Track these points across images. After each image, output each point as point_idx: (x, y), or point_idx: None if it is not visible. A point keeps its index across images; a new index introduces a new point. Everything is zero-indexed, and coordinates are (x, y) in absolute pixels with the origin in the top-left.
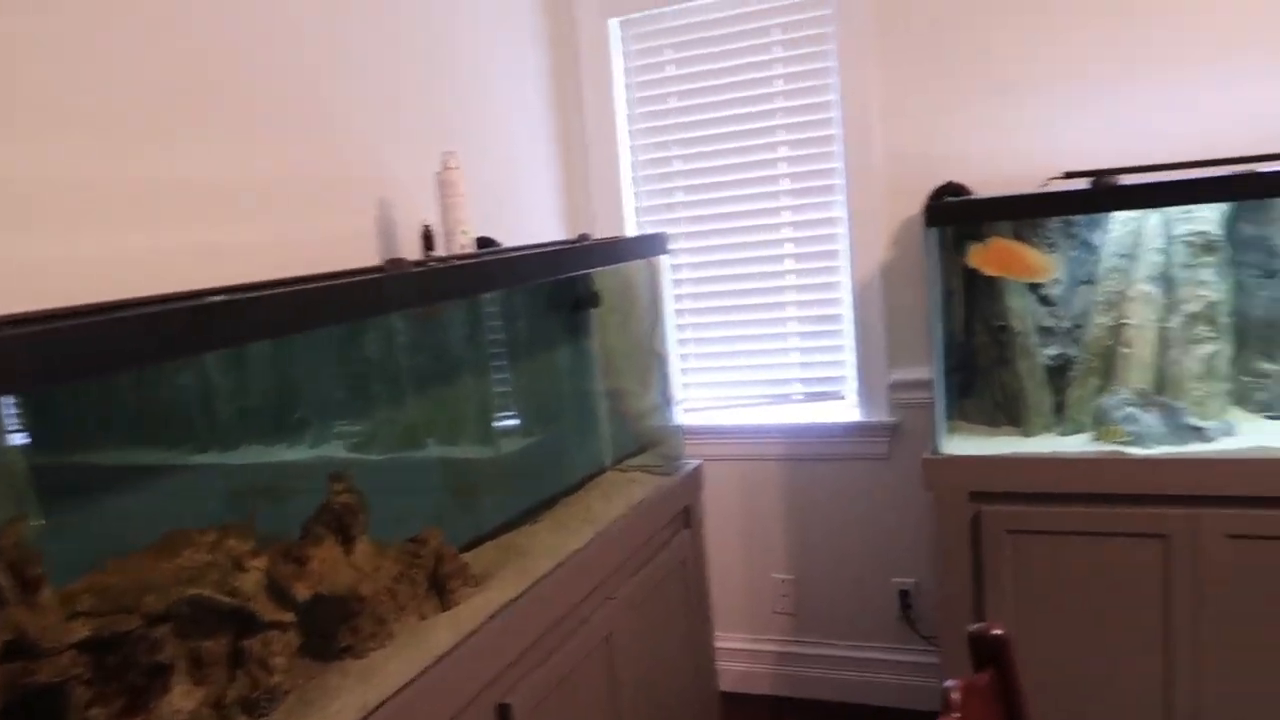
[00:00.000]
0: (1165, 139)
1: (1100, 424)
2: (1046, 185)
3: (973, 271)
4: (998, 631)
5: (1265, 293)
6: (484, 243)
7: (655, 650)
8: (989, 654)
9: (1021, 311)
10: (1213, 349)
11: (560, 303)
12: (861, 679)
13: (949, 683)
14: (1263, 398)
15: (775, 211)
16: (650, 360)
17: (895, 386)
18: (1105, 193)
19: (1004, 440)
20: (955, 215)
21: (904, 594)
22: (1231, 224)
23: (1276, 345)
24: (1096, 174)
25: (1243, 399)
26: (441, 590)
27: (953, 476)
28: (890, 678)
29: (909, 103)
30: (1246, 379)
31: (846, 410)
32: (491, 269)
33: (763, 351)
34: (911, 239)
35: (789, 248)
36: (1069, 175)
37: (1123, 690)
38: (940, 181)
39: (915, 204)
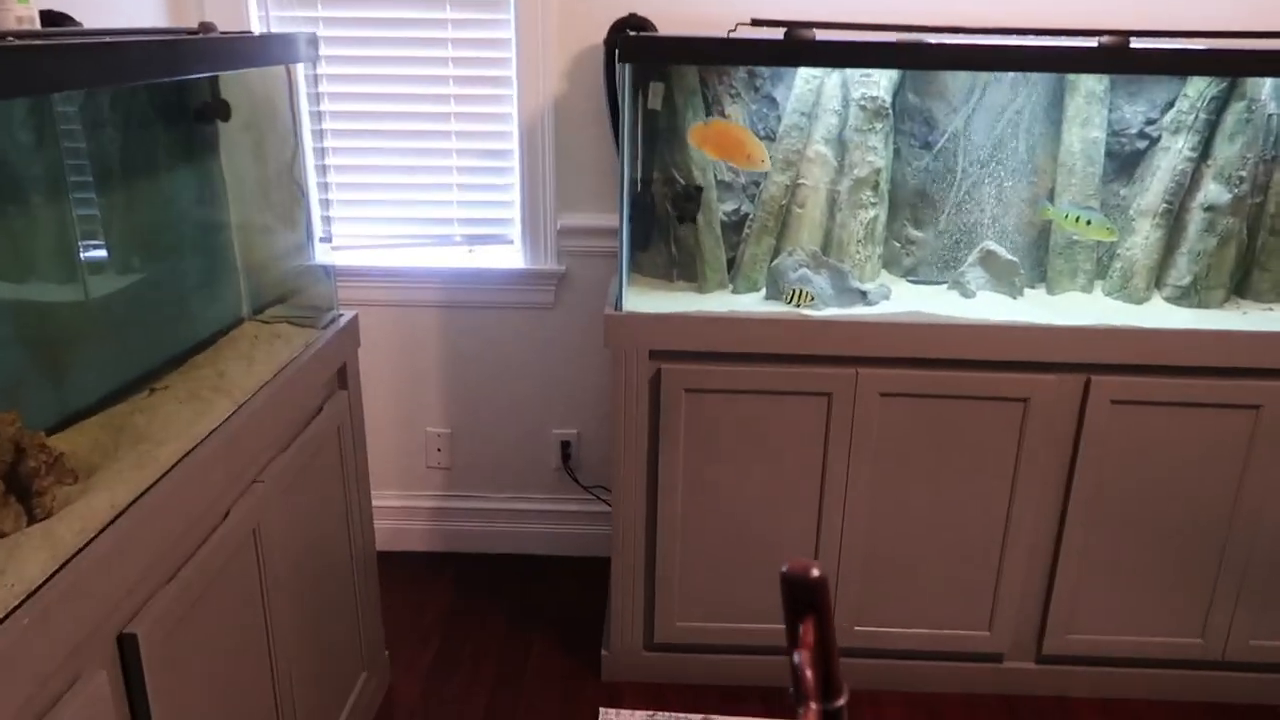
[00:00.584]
0: None
1: (775, 284)
2: (735, 30)
3: (653, 115)
4: (816, 573)
5: (920, 163)
6: (52, 19)
7: (310, 530)
8: (807, 600)
9: (703, 164)
10: (873, 214)
11: (174, 111)
12: (519, 530)
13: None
14: (909, 263)
15: (440, 24)
16: (293, 191)
17: (563, 233)
18: (801, 46)
19: (680, 297)
20: (651, 51)
21: (565, 445)
22: (898, 93)
23: (924, 214)
24: (787, 24)
25: (891, 263)
26: (26, 495)
27: (634, 335)
28: (548, 527)
29: None
30: (897, 244)
31: (511, 256)
32: (75, 57)
33: (421, 186)
34: (586, 73)
35: (452, 68)
36: (756, 23)
37: (776, 541)
38: (622, 12)
39: (592, 35)
